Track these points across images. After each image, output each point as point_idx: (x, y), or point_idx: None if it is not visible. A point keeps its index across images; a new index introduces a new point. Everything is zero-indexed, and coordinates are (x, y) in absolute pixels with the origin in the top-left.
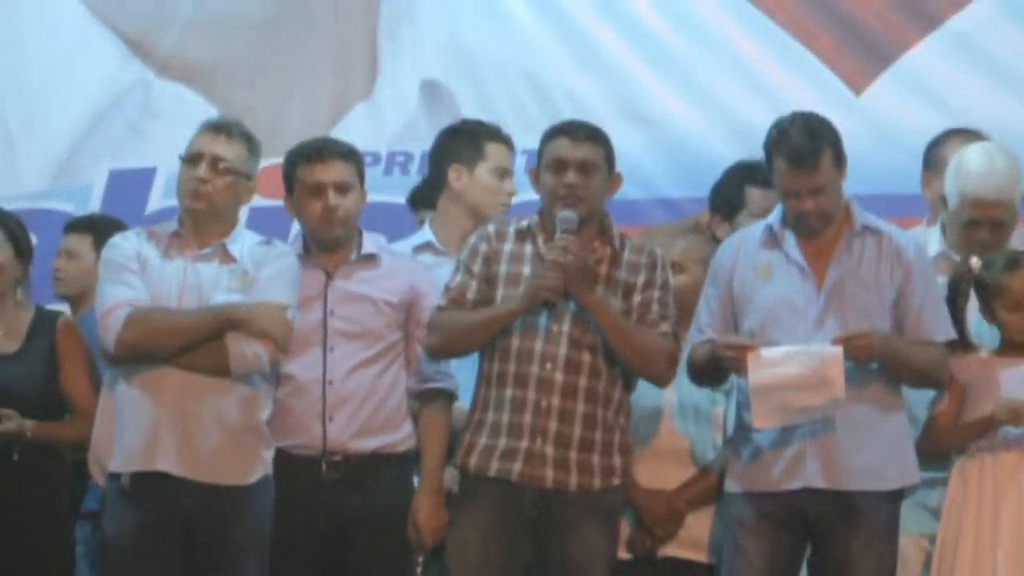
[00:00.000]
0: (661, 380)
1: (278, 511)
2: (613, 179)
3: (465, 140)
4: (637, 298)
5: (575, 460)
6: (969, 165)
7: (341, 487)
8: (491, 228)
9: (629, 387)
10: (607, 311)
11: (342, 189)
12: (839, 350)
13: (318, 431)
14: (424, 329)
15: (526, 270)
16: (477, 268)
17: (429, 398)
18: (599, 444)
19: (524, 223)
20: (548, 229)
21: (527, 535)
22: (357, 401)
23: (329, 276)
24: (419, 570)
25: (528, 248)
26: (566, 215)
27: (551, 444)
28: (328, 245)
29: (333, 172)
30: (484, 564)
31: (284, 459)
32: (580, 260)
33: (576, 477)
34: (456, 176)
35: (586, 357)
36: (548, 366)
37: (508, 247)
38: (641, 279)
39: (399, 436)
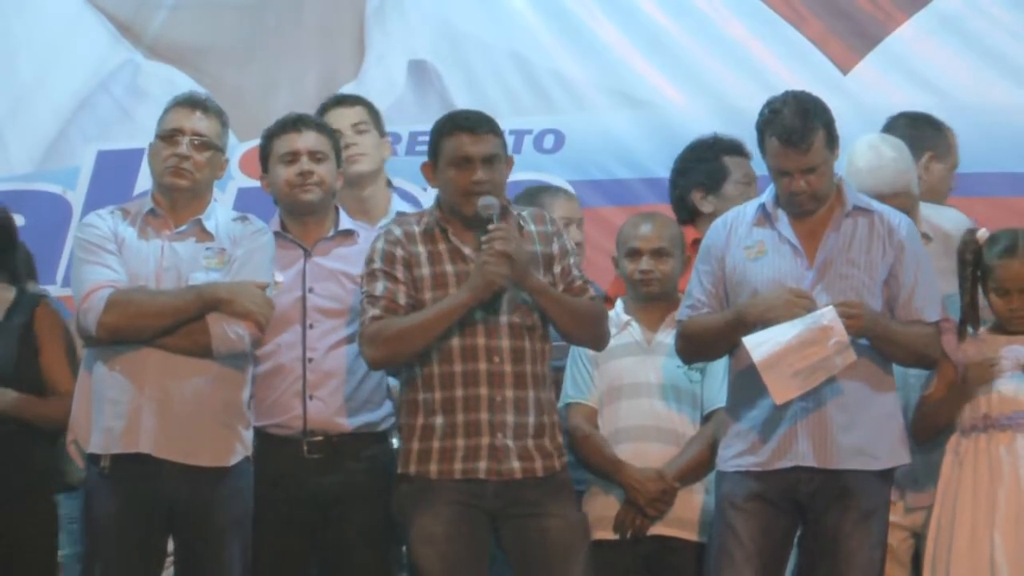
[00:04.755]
0: (601, 344)
1: (260, 492)
2: (508, 163)
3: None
4: (557, 268)
5: (534, 447)
6: (858, 163)
7: (322, 467)
8: (398, 231)
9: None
10: (549, 291)
11: (316, 157)
12: (830, 307)
13: (298, 409)
14: None
15: (449, 268)
16: (400, 274)
17: None
18: (548, 427)
19: (426, 223)
20: (455, 223)
21: (489, 526)
22: (338, 379)
23: (307, 253)
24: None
25: (443, 246)
26: (488, 201)
27: (511, 437)
28: (302, 213)
29: (308, 140)
30: (451, 558)
31: (264, 439)
32: (519, 248)
33: (541, 462)
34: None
35: (527, 344)
36: (496, 359)
37: (422, 249)
38: (555, 248)
39: (380, 414)
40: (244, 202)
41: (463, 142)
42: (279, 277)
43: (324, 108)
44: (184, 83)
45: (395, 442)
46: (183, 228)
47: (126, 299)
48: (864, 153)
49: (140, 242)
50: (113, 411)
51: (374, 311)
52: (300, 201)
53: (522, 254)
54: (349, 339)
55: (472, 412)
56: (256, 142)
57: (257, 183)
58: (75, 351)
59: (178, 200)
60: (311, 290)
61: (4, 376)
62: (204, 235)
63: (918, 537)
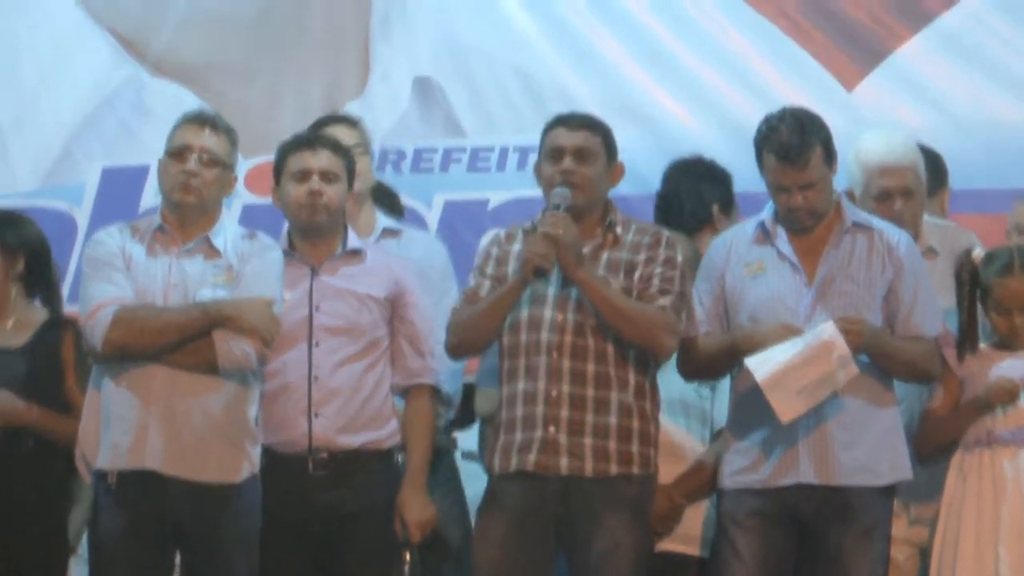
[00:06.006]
0: (660, 351)
1: (265, 509)
2: (615, 169)
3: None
4: (637, 274)
5: (590, 446)
6: (868, 143)
7: (327, 484)
8: (502, 232)
9: (646, 371)
10: (596, 285)
11: (328, 178)
12: (830, 322)
13: (304, 427)
14: (408, 325)
15: None
16: (490, 270)
17: (415, 394)
18: (615, 429)
19: (529, 223)
20: None
21: (552, 531)
22: (343, 397)
23: (314, 271)
24: (406, 567)
25: None
26: (559, 191)
27: (564, 432)
28: (310, 233)
29: (321, 160)
30: (507, 562)
31: (270, 457)
32: (569, 234)
33: (591, 464)
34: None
35: (591, 342)
36: (555, 355)
37: (517, 247)
38: (642, 257)
39: (385, 433)
40: (249, 219)
41: (557, 134)
42: (286, 295)
43: (322, 125)
44: (189, 101)
45: (400, 460)
46: (191, 245)
47: (131, 316)
48: (874, 135)
49: (148, 259)
50: (120, 427)
51: (456, 304)
52: (307, 221)
53: (572, 241)
54: (354, 357)
55: (530, 405)
56: (261, 159)
57: (262, 200)
58: None
59: (186, 217)
60: (317, 308)
61: (24, 396)
62: (212, 252)
63: (924, 555)
